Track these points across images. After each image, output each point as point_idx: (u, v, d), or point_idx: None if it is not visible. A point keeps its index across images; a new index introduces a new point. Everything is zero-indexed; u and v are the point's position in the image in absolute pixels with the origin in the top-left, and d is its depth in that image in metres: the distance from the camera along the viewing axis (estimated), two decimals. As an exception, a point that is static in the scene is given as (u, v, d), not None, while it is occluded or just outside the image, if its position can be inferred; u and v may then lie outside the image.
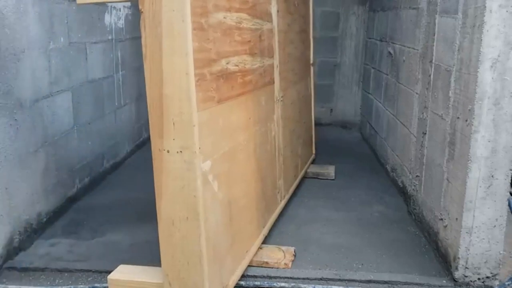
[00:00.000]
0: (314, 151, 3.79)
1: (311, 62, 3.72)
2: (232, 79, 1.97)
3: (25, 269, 2.18)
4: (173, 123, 1.64)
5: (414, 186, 2.80)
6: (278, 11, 2.61)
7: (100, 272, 2.14)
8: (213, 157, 1.78)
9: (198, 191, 1.67)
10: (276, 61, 2.58)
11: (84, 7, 2.93)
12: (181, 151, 1.65)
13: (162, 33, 1.59)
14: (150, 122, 1.68)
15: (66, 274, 2.16)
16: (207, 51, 1.74)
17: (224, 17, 1.91)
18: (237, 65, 2.02)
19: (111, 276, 1.92)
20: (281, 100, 2.69)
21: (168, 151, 1.67)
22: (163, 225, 1.73)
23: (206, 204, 1.72)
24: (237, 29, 2.04)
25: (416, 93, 2.85)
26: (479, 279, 2.08)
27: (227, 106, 1.92)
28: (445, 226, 2.24)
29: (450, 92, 2.24)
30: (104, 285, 2.01)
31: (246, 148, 2.13)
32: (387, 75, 3.72)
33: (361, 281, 2.13)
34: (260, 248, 2.27)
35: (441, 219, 2.30)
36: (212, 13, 1.79)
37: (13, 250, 2.27)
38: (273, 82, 2.54)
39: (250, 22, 2.18)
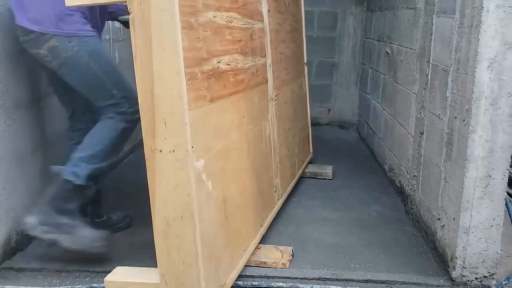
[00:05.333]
0: (311, 150, 3.79)
1: (305, 61, 3.73)
2: (223, 78, 1.97)
3: (22, 269, 2.18)
4: (165, 123, 1.64)
5: (412, 186, 2.80)
6: (269, 10, 2.61)
7: (98, 272, 2.14)
8: (206, 156, 1.78)
9: (191, 190, 1.67)
10: (268, 60, 2.59)
11: (81, 7, 2.92)
12: (173, 150, 1.65)
13: (151, 33, 1.59)
14: (142, 122, 1.68)
15: (63, 274, 2.16)
16: (197, 50, 1.74)
17: (214, 16, 1.91)
18: (228, 64, 2.02)
19: (107, 278, 1.92)
20: (275, 99, 2.69)
21: (160, 151, 1.67)
22: (157, 225, 1.73)
23: (201, 203, 1.72)
24: (228, 28, 2.04)
25: (414, 93, 2.85)
26: (476, 278, 2.08)
27: (220, 105, 1.92)
28: (443, 226, 2.24)
29: (447, 92, 2.25)
30: (102, 285, 2.01)
31: (240, 147, 2.13)
32: (385, 75, 3.72)
33: (358, 281, 2.13)
34: (258, 248, 2.27)
35: (439, 219, 2.30)
36: (202, 12, 1.79)
37: (11, 250, 2.26)
38: (266, 82, 2.55)
39: (241, 22, 2.19)
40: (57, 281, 2.11)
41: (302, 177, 3.41)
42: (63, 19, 2.03)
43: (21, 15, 2.05)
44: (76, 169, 2.10)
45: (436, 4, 2.48)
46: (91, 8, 2.13)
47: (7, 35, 2.21)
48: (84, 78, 2.12)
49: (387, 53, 3.65)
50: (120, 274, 1.95)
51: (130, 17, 1.61)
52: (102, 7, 2.21)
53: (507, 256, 2.34)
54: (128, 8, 1.61)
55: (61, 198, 2.12)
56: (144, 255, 2.25)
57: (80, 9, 2.05)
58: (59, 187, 2.12)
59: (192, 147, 1.66)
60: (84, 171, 2.10)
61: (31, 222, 2.11)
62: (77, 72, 2.11)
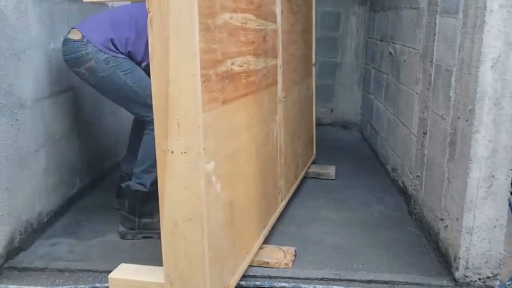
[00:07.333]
0: (315, 151, 3.79)
1: (313, 62, 3.73)
2: (236, 79, 1.96)
3: (25, 269, 2.18)
4: (178, 124, 1.64)
5: (415, 186, 2.80)
6: (282, 11, 2.61)
7: (101, 272, 2.14)
8: (216, 158, 1.77)
9: (201, 192, 1.66)
10: (279, 61, 2.59)
11: (84, 8, 2.94)
12: (185, 152, 1.65)
13: (169, 34, 1.59)
14: (155, 122, 1.68)
15: (66, 274, 2.16)
16: (213, 51, 1.73)
17: (230, 18, 1.90)
18: (241, 66, 2.01)
19: (112, 275, 1.92)
20: (283, 101, 2.69)
21: (172, 152, 1.66)
22: (165, 226, 1.73)
23: (209, 205, 1.72)
24: (243, 29, 2.04)
25: (417, 93, 2.85)
26: (479, 279, 2.08)
27: (232, 107, 1.91)
28: (446, 226, 2.24)
29: (450, 92, 2.24)
30: (105, 284, 2.01)
31: (248, 149, 2.13)
32: (388, 75, 3.72)
33: (361, 281, 2.13)
34: (260, 248, 2.27)
35: (442, 219, 2.30)
36: (219, 14, 1.79)
37: (14, 250, 2.27)
38: (276, 83, 2.54)
39: (255, 23, 2.18)
40: (60, 281, 2.12)
41: (305, 177, 3.41)
42: (112, 43, 2.33)
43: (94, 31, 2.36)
44: (140, 180, 2.47)
45: (439, 4, 2.48)
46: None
47: (10, 36, 2.22)
48: (121, 93, 2.39)
49: (390, 53, 3.65)
50: (124, 271, 1.94)
51: (149, 16, 1.61)
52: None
53: (511, 257, 2.33)
54: (147, 7, 1.60)
55: (136, 205, 2.47)
56: (147, 253, 2.26)
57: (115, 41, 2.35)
58: (130, 198, 2.48)
59: (204, 149, 1.65)
60: (147, 180, 2.45)
61: (123, 230, 2.49)
62: (113, 88, 2.38)
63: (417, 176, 2.75)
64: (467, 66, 2.04)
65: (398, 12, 3.47)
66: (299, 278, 2.13)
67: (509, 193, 2.01)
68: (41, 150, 2.51)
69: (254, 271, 2.15)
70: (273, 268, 2.18)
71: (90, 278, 2.13)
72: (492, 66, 1.90)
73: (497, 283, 2.08)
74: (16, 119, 2.27)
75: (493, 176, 1.98)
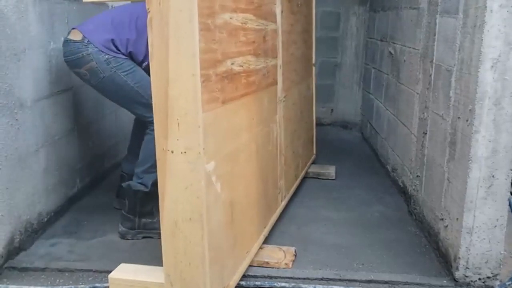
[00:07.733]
0: (315, 151, 3.79)
1: (313, 62, 3.73)
2: (236, 79, 1.96)
3: (25, 269, 2.18)
4: (178, 124, 1.64)
5: (415, 186, 2.80)
6: (282, 11, 2.61)
7: (101, 272, 2.14)
8: (216, 158, 1.77)
9: (201, 192, 1.66)
10: (279, 61, 2.59)
11: (84, 8, 2.94)
12: (185, 152, 1.65)
13: (169, 34, 1.59)
14: (155, 122, 1.68)
15: (66, 274, 2.16)
16: (213, 51, 1.74)
17: (230, 18, 1.90)
18: (241, 66, 2.01)
19: (112, 275, 1.92)
20: (284, 101, 2.69)
21: (172, 152, 1.66)
22: (166, 226, 1.73)
23: (209, 205, 1.72)
24: (242, 29, 2.04)
25: (417, 93, 2.85)
26: (479, 279, 2.08)
27: (232, 107, 1.91)
28: (446, 226, 2.24)
29: (450, 92, 2.25)
30: (105, 284, 2.01)
31: (249, 149, 2.13)
32: (388, 75, 3.72)
33: (361, 281, 2.13)
34: (260, 248, 2.27)
35: (442, 219, 2.30)
36: (219, 14, 1.79)
37: (14, 250, 2.27)
38: (276, 83, 2.54)
39: (255, 23, 2.18)
40: (60, 281, 2.12)
41: (305, 177, 3.41)
42: (113, 44, 2.34)
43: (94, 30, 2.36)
44: (141, 180, 2.47)
45: (439, 4, 2.48)
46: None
47: (10, 36, 2.22)
48: (122, 93, 2.39)
49: (390, 53, 3.65)
50: (124, 271, 1.95)
51: (149, 16, 1.61)
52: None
53: (511, 257, 2.33)
54: (147, 7, 1.60)
55: (136, 205, 2.48)
56: (147, 253, 2.26)
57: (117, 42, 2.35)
58: (131, 198, 2.48)
59: (204, 149, 1.65)
60: (148, 180, 2.45)
61: (123, 230, 2.50)
62: (114, 89, 2.39)
63: (417, 176, 2.76)
64: (467, 66, 2.04)
65: (398, 12, 3.47)
66: (299, 278, 2.13)
67: (509, 193, 2.01)
68: (41, 150, 2.51)
69: (254, 271, 2.15)
70: (273, 268, 2.19)
71: (90, 278, 2.13)
72: (492, 66, 1.90)
73: (497, 283, 2.08)
74: (16, 119, 2.27)
75: (493, 176, 1.98)
